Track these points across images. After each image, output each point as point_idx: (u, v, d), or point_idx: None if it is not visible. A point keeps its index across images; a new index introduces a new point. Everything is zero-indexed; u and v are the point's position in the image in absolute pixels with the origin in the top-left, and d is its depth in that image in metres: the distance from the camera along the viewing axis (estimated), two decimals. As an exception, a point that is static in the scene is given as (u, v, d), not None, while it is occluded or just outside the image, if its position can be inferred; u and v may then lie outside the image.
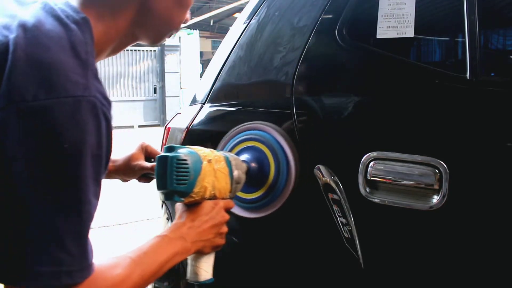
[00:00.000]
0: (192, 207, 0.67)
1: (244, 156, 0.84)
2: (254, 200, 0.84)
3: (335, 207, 0.82)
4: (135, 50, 9.26)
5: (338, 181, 0.82)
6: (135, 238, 2.84)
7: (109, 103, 0.51)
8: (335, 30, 0.90)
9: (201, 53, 11.10)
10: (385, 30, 0.85)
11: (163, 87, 9.44)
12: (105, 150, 0.50)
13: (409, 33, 0.83)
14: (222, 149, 0.91)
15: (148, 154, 0.87)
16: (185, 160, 0.64)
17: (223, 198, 0.71)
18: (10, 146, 0.43)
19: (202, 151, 0.69)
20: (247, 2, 1.13)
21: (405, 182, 0.76)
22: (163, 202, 1.11)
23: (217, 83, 1.04)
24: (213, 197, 0.69)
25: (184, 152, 0.65)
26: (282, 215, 0.84)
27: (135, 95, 9.28)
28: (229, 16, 12.10)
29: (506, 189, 0.70)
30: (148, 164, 0.84)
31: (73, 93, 0.45)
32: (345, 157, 0.83)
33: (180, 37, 9.42)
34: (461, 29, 0.78)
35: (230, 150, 0.89)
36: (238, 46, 1.03)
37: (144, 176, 0.86)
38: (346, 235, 0.81)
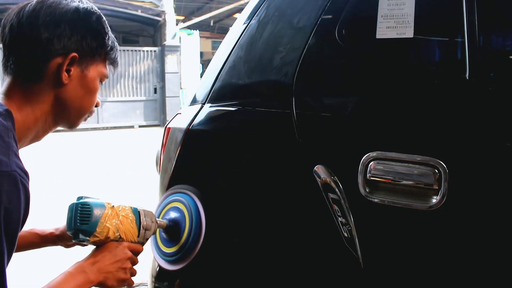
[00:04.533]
0: (99, 247, 0.78)
1: (168, 215, 0.96)
2: (171, 254, 0.95)
3: (334, 207, 0.82)
4: (135, 51, 9.26)
5: (337, 181, 0.82)
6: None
7: (27, 175, 0.63)
8: (335, 30, 0.90)
9: (201, 54, 11.11)
10: (384, 30, 0.85)
11: (163, 87, 9.44)
12: (22, 213, 0.61)
13: (409, 33, 0.83)
14: (156, 210, 1.02)
15: None
16: (87, 205, 0.76)
17: (131, 242, 0.81)
18: None
19: (108, 201, 0.79)
20: (247, 3, 1.13)
21: (404, 182, 0.77)
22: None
23: (217, 83, 1.04)
24: (119, 239, 0.79)
25: (89, 200, 0.77)
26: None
27: (135, 95, 9.28)
28: (229, 17, 12.10)
29: (505, 189, 0.70)
30: None
31: None
32: (344, 157, 0.83)
33: (180, 38, 9.43)
34: (461, 29, 0.78)
35: (161, 211, 1.00)
36: (238, 46, 1.03)
37: None
38: (346, 235, 0.81)
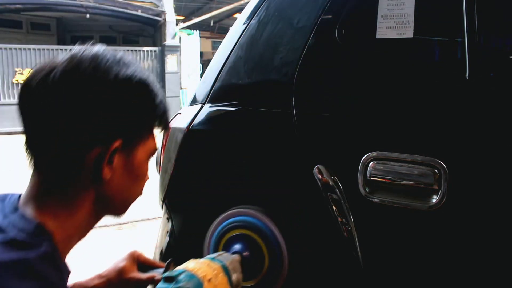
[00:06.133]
0: None
1: (236, 246, 0.84)
2: None
3: (334, 207, 0.82)
4: (136, 51, 9.26)
5: (337, 181, 0.82)
6: (135, 238, 2.84)
7: None
8: (335, 30, 0.90)
9: (201, 54, 11.11)
10: (384, 30, 0.85)
11: (163, 87, 9.43)
12: None
13: (409, 33, 0.83)
14: (211, 238, 0.90)
15: (141, 263, 0.80)
16: None
17: None
18: None
19: (201, 270, 0.69)
20: (247, 3, 1.13)
21: (404, 182, 0.77)
22: (162, 202, 1.11)
23: (217, 83, 1.04)
24: None
25: (184, 279, 0.65)
26: None
27: (135, 95, 9.28)
28: (229, 17, 12.10)
29: (505, 188, 0.70)
30: (144, 275, 0.78)
31: None
32: (344, 157, 0.83)
33: (180, 38, 9.43)
34: (460, 29, 0.78)
35: (220, 238, 0.89)
36: (238, 46, 1.03)
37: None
38: (346, 235, 0.81)
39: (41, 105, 0.50)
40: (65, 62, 0.51)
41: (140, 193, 0.62)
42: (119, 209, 0.60)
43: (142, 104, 0.56)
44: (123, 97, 0.53)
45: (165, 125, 0.61)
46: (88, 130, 0.51)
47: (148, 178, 0.62)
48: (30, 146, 0.52)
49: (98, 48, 0.55)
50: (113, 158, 0.53)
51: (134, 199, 0.61)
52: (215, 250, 0.89)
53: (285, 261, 0.83)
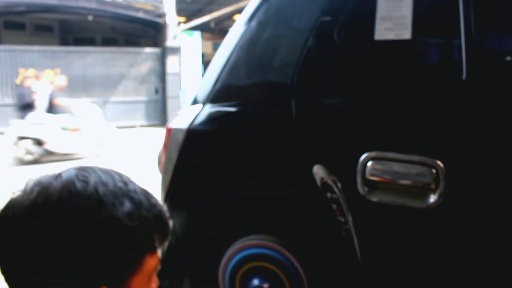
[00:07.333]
0: None
1: (256, 280, 0.86)
2: None
3: (333, 206, 0.83)
4: (137, 52, 9.30)
5: (336, 180, 0.83)
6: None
7: None
8: (334, 32, 0.91)
9: (203, 54, 11.13)
10: (383, 32, 0.86)
11: (164, 88, 9.47)
12: None
13: (406, 35, 0.84)
14: (227, 263, 0.90)
15: None
16: None
17: None
18: None
19: None
20: (247, 4, 1.14)
21: (402, 181, 0.77)
22: (164, 200, 1.12)
23: (218, 84, 1.05)
24: None
25: None
26: None
27: (137, 95, 9.31)
28: (230, 18, 12.12)
29: (502, 187, 0.71)
30: None
31: None
32: (343, 157, 0.84)
33: (181, 39, 9.47)
34: (457, 31, 0.79)
35: (237, 268, 0.88)
36: (238, 48, 1.04)
37: None
38: (345, 234, 0.82)
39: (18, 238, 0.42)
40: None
41: None
42: None
43: (113, 245, 0.44)
44: (82, 249, 0.42)
45: (164, 234, 0.51)
46: (61, 283, 0.43)
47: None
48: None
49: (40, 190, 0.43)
50: None
51: None
52: (231, 282, 0.90)
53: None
